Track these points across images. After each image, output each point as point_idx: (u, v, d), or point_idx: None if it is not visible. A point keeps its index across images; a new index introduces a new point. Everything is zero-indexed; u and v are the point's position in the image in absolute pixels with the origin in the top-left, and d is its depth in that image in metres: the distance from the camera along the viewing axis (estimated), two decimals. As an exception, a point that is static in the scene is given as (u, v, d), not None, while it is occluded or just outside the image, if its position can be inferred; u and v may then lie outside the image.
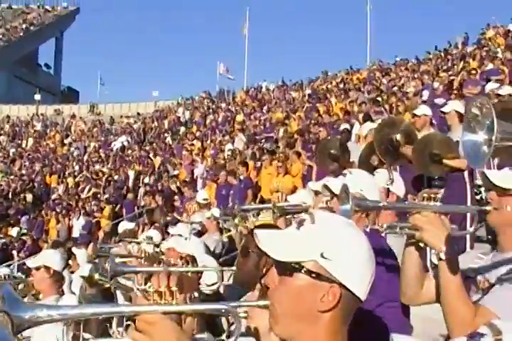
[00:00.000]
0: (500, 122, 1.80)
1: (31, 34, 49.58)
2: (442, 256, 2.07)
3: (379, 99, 14.69)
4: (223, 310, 1.47)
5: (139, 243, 5.79)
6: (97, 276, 4.22)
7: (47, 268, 4.08)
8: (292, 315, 1.36)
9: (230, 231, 6.56)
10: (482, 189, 6.93)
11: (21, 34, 48.87)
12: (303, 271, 1.35)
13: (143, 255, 4.97)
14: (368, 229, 2.29)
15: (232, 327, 1.51)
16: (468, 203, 5.94)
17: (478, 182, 6.92)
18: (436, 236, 2.11)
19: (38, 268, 4.10)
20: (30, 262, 4.35)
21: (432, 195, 2.24)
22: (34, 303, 1.36)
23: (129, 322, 1.43)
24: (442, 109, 7.19)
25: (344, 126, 10.42)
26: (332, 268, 1.34)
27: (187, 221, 6.75)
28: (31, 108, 40.81)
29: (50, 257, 4.19)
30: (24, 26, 49.30)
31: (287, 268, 1.37)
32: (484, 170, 2.26)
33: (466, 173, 6.18)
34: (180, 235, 5.04)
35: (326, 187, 3.26)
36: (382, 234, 2.38)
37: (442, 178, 6.35)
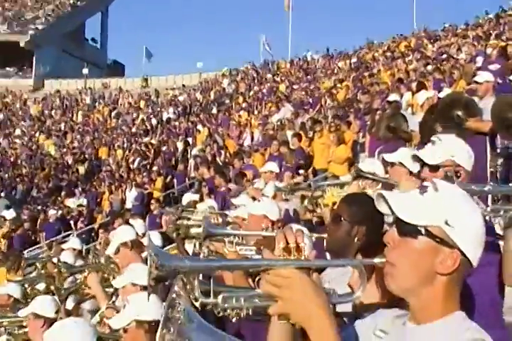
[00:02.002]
0: None
1: (78, 9, 50.18)
2: None
3: (439, 67, 14.32)
4: (349, 265, 1.57)
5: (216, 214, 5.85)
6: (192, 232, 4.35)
7: (123, 244, 4.32)
8: (411, 274, 1.44)
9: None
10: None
11: (69, 9, 49.51)
12: (428, 235, 1.42)
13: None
14: None
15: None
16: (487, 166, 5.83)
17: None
18: None
19: (116, 252, 4.36)
20: (108, 250, 4.59)
21: None
22: (178, 256, 1.47)
23: (258, 277, 1.43)
24: (475, 79, 7.02)
25: (393, 97, 10.26)
26: (454, 235, 1.42)
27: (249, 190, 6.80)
28: (79, 82, 41.51)
29: (120, 233, 4.38)
30: (71, 1, 49.87)
31: (412, 231, 1.43)
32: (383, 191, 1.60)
33: (487, 138, 6.07)
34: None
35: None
36: (486, 218, 2.30)
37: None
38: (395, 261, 1.45)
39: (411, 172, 4.02)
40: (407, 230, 1.44)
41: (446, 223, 1.41)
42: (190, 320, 1.09)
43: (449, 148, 2.83)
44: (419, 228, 1.42)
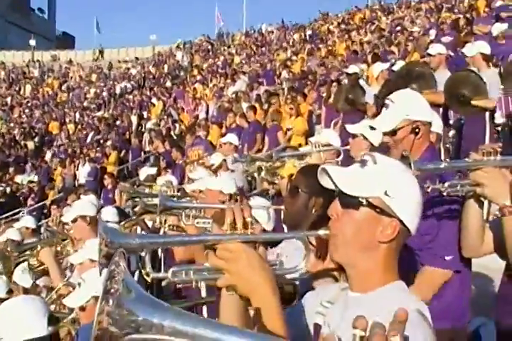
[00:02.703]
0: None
1: (21, -23, 48.25)
2: (506, 211, 2.15)
3: (392, 39, 14.39)
4: (295, 238, 1.60)
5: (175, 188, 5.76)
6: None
7: (82, 217, 4.19)
8: (354, 243, 1.51)
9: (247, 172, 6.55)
10: (499, 128, 6.99)
11: (11, -23, 47.54)
12: (368, 206, 1.49)
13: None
14: (429, 190, 2.30)
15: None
16: (487, 142, 5.98)
17: (496, 120, 6.98)
18: (499, 191, 2.17)
19: (74, 221, 4.24)
20: (65, 217, 4.46)
21: (492, 150, 2.25)
22: (127, 233, 1.42)
23: (207, 251, 1.47)
24: (465, 52, 7.05)
25: (352, 69, 10.25)
26: (393, 205, 1.48)
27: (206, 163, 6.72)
28: (26, 54, 40.07)
29: (82, 206, 4.28)
30: (14, -32, 47.83)
31: (354, 202, 1.50)
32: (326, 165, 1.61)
33: (486, 113, 6.21)
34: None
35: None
36: (444, 194, 2.35)
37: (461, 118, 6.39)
38: (338, 231, 1.52)
39: (372, 145, 4.03)
40: (349, 202, 1.50)
41: (386, 194, 1.47)
42: (129, 291, 1.04)
43: (402, 108, 2.81)
44: (360, 199, 1.49)
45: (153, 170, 8.70)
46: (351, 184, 1.50)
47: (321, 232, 1.56)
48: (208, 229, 2.96)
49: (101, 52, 39.01)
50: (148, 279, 1.79)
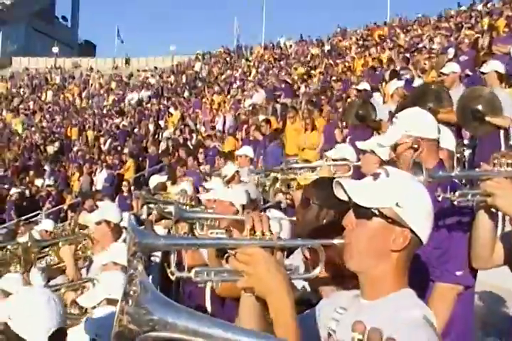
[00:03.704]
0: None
1: (47, -14, 49.15)
2: None
3: (409, 56, 14.50)
4: (309, 246, 1.73)
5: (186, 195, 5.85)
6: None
7: (107, 222, 4.29)
8: (367, 251, 1.59)
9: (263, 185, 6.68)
10: (515, 149, 6.98)
11: (38, -14, 48.44)
12: (381, 216, 1.58)
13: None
14: (439, 198, 2.30)
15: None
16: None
17: (512, 142, 6.96)
18: (510, 201, 2.18)
19: (98, 223, 4.32)
20: (91, 217, 4.56)
21: (504, 161, 2.26)
22: (154, 234, 1.50)
23: (227, 254, 1.57)
24: (481, 70, 7.04)
25: (362, 85, 10.38)
26: (404, 216, 1.57)
27: (219, 173, 6.83)
28: (49, 60, 40.74)
29: (110, 211, 4.37)
30: (41, -23, 48.75)
31: (367, 213, 1.59)
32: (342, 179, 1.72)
33: (501, 132, 6.12)
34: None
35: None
36: (455, 203, 2.34)
37: (473, 137, 6.37)
38: (353, 240, 1.61)
39: (383, 161, 4.14)
40: (363, 213, 1.59)
41: (397, 205, 1.56)
42: (146, 291, 1.16)
43: (404, 124, 2.87)
44: (372, 210, 1.58)
45: (163, 178, 8.84)
46: (364, 196, 1.59)
47: (336, 241, 1.66)
48: None
49: (127, 60, 39.50)
50: (173, 278, 1.89)
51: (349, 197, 1.62)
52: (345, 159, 4.69)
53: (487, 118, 5.84)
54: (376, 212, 1.57)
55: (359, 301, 1.62)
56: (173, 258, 1.68)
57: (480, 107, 5.87)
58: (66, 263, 4.19)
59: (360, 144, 4.29)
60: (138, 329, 1.14)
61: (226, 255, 1.60)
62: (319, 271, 1.67)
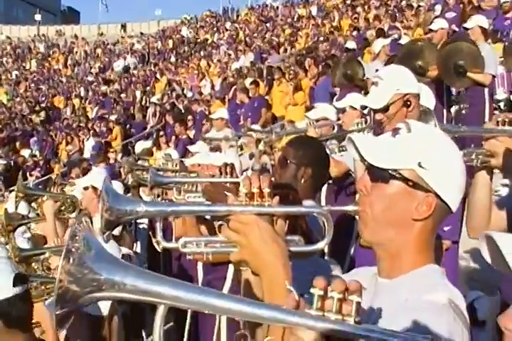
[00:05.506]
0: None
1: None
2: None
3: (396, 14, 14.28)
4: (315, 213, 1.50)
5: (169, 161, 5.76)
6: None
7: (94, 188, 4.18)
8: (385, 220, 1.36)
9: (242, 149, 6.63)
10: (501, 103, 6.98)
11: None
12: (400, 179, 1.34)
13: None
14: None
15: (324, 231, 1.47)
16: (486, 119, 5.97)
17: (498, 96, 6.96)
18: None
19: (86, 188, 4.23)
20: (80, 182, 4.48)
21: (508, 119, 2.15)
22: (134, 199, 1.40)
23: (220, 222, 1.40)
24: (465, 25, 6.99)
25: (350, 44, 10.24)
26: (429, 178, 1.33)
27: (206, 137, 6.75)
28: (32, 28, 39.88)
29: (98, 177, 4.23)
30: None
31: (384, 175, 1.35)
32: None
33: (486, 90, 6.14)
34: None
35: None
36: None
37: (460, 93, 6.36)
38: (367, 207, 1.38)
39: (363, 114, 4.09)
40: (378, 175, 1.36)
41: (420, 165, 1.33)
42: (90, 249, 1.05)
43: (392, 83, 2.84)
44: (390, 172, 1.34)
45: (148, 144, 8.80)
46: (380, 154, 1.35)
47: (350, 208, 1.42)
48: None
49: (123, 26, 38.57)
50: (159, 248, 1.76)
51: (361, 157, 1.38)
52: (326, 118, 4.63)
53: (468, 74, 5.88)
54: (395, 173, 1.34)
55: (376, 280, 1.40)
56: (158, 226, 1.53)
57: (462, 62, 5.88)
58: (47, 217, 4.05)
59: (337, 103, 4.26)
60: (80, 290, 1.04)
61: (219, 223, 1.42)
62: (326, 242, 1.44)
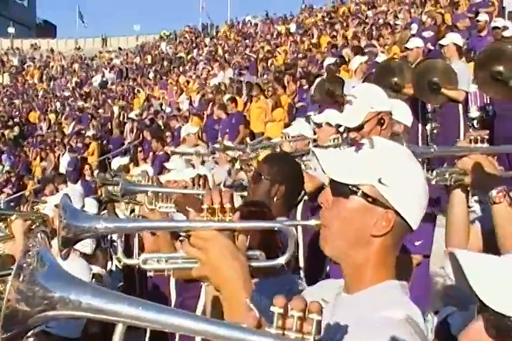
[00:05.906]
0: None
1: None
2: (495, 198, 2.03)
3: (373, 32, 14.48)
4: (276, 228, 1.47)
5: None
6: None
7: None
8: (344, 236, 1.35)
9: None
10: (475, 121, 7.08)
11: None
12: (359, 194, 1.33)
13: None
14: None
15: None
16: (461, 136, 6.03)
17: (471, 114, 7.05)
18: (487, 179, 2.06)
19: (57, 206, 4.07)
20: (51, 199, 4.36)
21: (480, 137, 2.16)
22: (93, 215, 1.34)
23: (182, 238, 1.41)
24: (440, 42, 7.16)
25: (329, 61, 10.31)
26: (388, 195, 1.32)
27: (181, 151, 6.69)
28: (5, 41, 39.42)
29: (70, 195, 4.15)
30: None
31: (344, 190, 1.34)
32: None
33: (460, 106, 6.25)
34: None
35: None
36: (432, 182, 2.20)
37: (435, 110, 6.44)
38: (327, 222, 1.37)
39: (340, 132, 4.06)
40: (339, 189, 1.35)
41: (380, 181, 1.32)
42: (43, 265, 0.99)
43: (365, 101, 2.82)
44: (350, 187, 1.34)
45: (126, 160, 8.71)
46: (341, 169, 1.35)
47: (311, 222, 1.42)
48: (170, 214, 2.92)
49: (104, 39, 38.35)
50: (119, 265, 1.74)
51: (323, 170, 1.39)
52: (302, 135, 4.61)
53: (442, 91, 6.00)
54: (355, 189, 1.33)
55: (340, 293, 1.40)
56: (119, 242, 1.52)
57: (436, 78, 6.00)
58: (15, 237, 3.90)
59: (315, 118, 4.27)
60: (30, 310, 0.96)
61: (180, 238, 1.43)
62: (286, 258, 1.43)
